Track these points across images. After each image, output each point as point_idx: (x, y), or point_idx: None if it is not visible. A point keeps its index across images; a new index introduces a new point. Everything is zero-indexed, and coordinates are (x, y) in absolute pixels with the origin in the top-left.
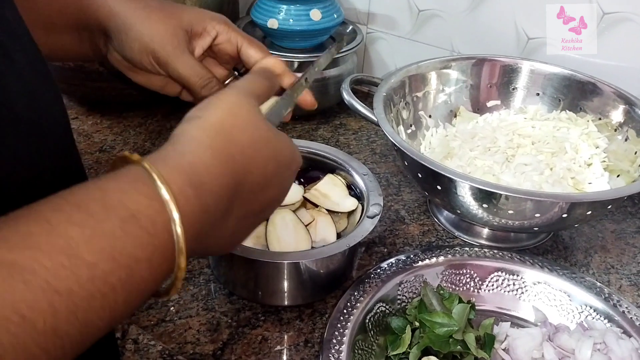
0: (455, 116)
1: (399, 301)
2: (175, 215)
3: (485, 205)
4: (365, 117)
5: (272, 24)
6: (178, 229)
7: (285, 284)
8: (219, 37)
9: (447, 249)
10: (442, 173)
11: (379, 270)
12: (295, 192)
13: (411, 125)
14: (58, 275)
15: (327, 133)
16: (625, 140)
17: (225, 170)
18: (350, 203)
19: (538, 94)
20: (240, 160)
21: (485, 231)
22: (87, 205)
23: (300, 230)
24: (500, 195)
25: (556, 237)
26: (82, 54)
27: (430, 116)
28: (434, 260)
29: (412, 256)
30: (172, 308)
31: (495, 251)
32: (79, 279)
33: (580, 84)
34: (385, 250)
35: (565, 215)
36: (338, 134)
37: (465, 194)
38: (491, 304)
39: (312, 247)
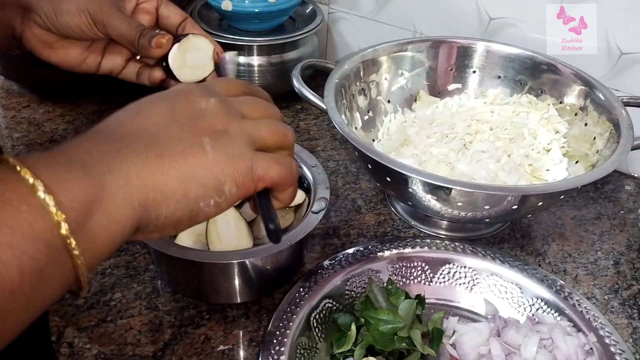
0: (416, 100)
1: (347, 296)
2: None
3: (435, 198)
4: (315, 106)
5: (226, 5)
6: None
7: (227, 283)
8: None
9: (398, 241)
10: (389, 166)
11: (326, 265)
12: None
13: (369, 112)
14: None
15: (287, 118)
16: (585, 125)
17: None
18: (297, 197)
19: (499, 77)
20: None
21: (442, 220)
22: None
23: (242, 227)
24: (449, 188)
25: (514, 224)
26: None
27: (389, 101)
28: (383, 253)
29: (361, 249)
30: (114, 307)
31: (447, 242)
32: None
33: (541, 66)
34: (339, 241)
35: (515, 207)
36: (299, 119)
37: (414, 187)
38: (442, 296)
39: (255, 245)
